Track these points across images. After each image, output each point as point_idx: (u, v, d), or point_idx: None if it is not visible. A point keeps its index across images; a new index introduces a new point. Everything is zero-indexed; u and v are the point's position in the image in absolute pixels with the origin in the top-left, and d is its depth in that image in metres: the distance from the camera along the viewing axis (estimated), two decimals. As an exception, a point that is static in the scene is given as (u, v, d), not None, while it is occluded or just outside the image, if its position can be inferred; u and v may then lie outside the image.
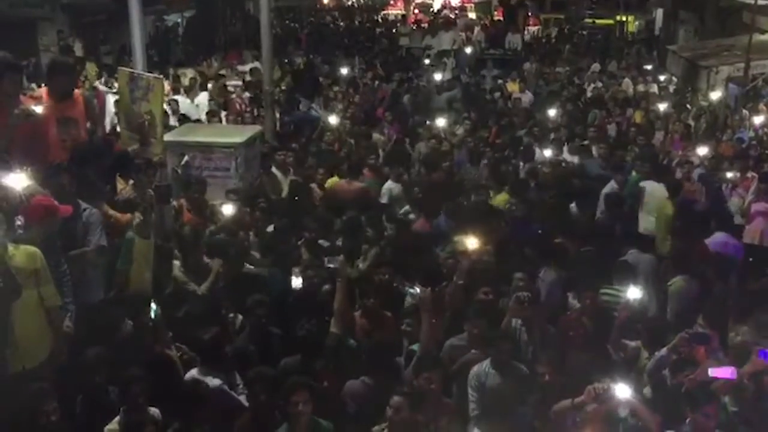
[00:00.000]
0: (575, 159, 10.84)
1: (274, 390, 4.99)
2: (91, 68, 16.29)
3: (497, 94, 16.57)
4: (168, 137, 9.42)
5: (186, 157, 9.00)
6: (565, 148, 11.06)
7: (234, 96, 14.33)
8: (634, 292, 5.83)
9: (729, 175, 9.76)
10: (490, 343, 5.55)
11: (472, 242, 6.41)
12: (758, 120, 12.94)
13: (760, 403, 5.01)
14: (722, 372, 4.96)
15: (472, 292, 6.31)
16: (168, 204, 7.83)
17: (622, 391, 4.65)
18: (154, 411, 4.93)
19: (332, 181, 9.73)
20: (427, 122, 13.06)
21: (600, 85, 17.39)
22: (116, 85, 11.14)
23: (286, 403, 4.73)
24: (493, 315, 5.97)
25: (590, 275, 6.75)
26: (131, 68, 8.49)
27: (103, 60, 18.84)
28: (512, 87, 17.01)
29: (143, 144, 8.18)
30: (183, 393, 5.15)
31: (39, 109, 6.36)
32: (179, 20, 26.27)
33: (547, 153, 10.51)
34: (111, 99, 10.98)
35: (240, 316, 6.45)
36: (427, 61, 18.63)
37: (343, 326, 5.86)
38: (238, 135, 9.70)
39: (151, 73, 8.49)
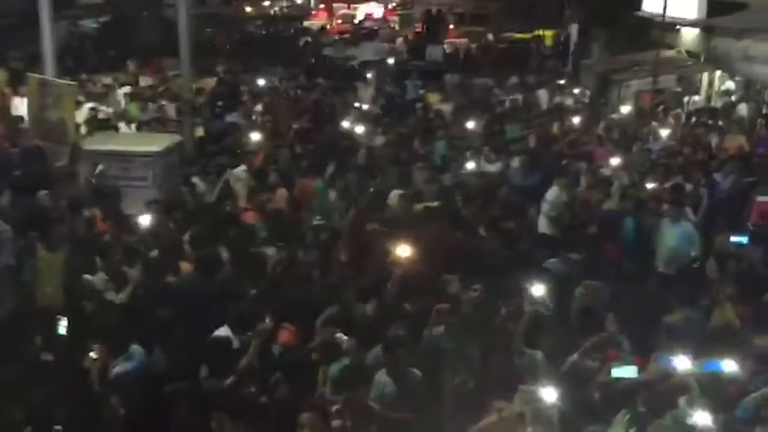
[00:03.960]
0: (493, 167, 11.12)
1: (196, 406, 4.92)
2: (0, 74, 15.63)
3: (419, 105, 16.77)
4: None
5: (100, 166, 8.76)
6: (482, 158, 11.33)
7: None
8: (538, 290, 5.88)
9: (651, 185, 10.08)
10: (384, 349, 5.61)
11: (404, 251, 6.47)
12: (665, 132, 13.49)
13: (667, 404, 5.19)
14: (624, 372, 5.12)
15: (404, 299, 6.42)
16: (80, 214, 7.62)
17: (549, 394, 4.73)
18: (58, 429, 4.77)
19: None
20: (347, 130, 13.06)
21: (518, 96, 17.81)
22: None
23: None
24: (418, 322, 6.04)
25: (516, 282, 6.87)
26: (42, 74, 8.26)
27: (14, 65, 18.08)
28: (433, 98, 17.25)
29: (73, 159, 8.01)
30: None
31: None
32: (94, 25, 25.52)
33: (471, 165, 10.69)
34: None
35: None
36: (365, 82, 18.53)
37: None
38: (156, 144, 9.51)
39: (63, 79, 8.28)
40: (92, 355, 5.38)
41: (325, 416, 4.87)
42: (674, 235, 8.48)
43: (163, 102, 14.48)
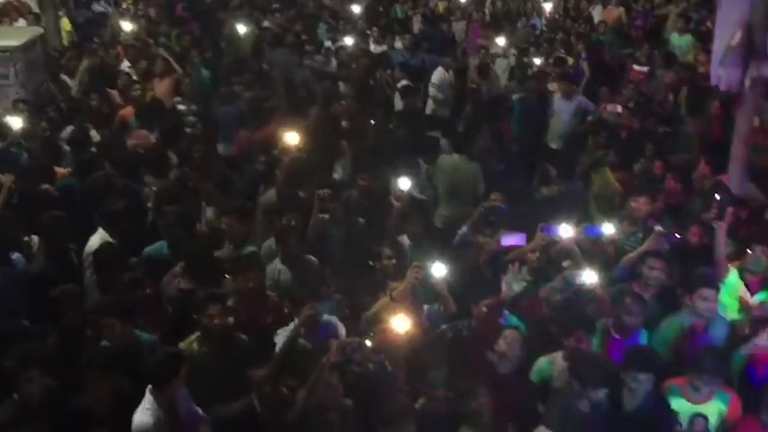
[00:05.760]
0: (380, 48, 10.96)
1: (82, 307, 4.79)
2: None
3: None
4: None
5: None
6: (370, 40, 11.13)
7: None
8: (403, 183, 6.01)
9: (537, 61, 10.14)
10: (277, 239, 5.58)
11: (291, 138, 6.38)
12: (548, 6, 13.58)
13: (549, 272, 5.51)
14: (512, 239, 5.42)
15: (292, 187, 6.30)
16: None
17: (438, 269, 4.90)
18: None
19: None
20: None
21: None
22: None
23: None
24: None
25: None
26: None
27: None
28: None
29: None
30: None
31: None
32: None
33: (349, 41, 10.49)
34: None
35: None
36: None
37: None
38: (15, 37, 8.75)
39: None
40: None
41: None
42: (569, 111, 8.55)
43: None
